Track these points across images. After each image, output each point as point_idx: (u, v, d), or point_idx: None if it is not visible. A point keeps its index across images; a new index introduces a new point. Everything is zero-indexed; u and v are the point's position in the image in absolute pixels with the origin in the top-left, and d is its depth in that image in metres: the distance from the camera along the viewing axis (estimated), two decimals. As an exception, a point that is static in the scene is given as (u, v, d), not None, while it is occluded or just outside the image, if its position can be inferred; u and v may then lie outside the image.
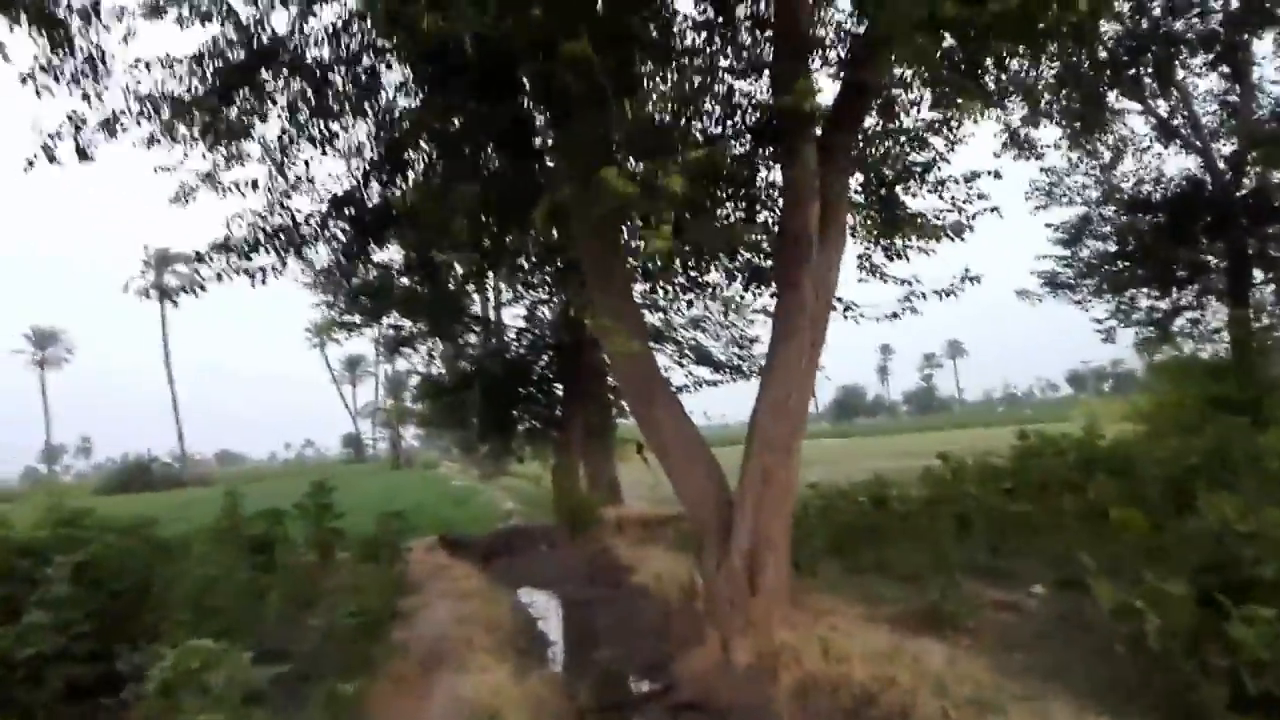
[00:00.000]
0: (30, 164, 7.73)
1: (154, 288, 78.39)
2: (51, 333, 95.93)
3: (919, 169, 10.93)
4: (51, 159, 7.79)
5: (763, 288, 11.40)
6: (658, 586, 11.80)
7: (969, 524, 12.01)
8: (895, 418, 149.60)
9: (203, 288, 8.73)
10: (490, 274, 15.95)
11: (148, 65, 9.48)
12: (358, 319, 17.15)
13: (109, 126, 8.31)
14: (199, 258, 8.69)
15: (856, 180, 10.39)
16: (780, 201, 10.13)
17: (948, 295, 10.63)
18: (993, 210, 10.87)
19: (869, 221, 10.46)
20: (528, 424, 18.71)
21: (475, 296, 17.96)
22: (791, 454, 8.34)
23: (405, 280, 15.68)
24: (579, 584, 14.06)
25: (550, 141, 8.01)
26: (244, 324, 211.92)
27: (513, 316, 18.84)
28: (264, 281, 9.23)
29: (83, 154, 8.03)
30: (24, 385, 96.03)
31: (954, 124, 10.65)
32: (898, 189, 10.80)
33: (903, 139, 10.56)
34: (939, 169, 10.90)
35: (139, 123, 10.67)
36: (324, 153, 9.16)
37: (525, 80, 7.65)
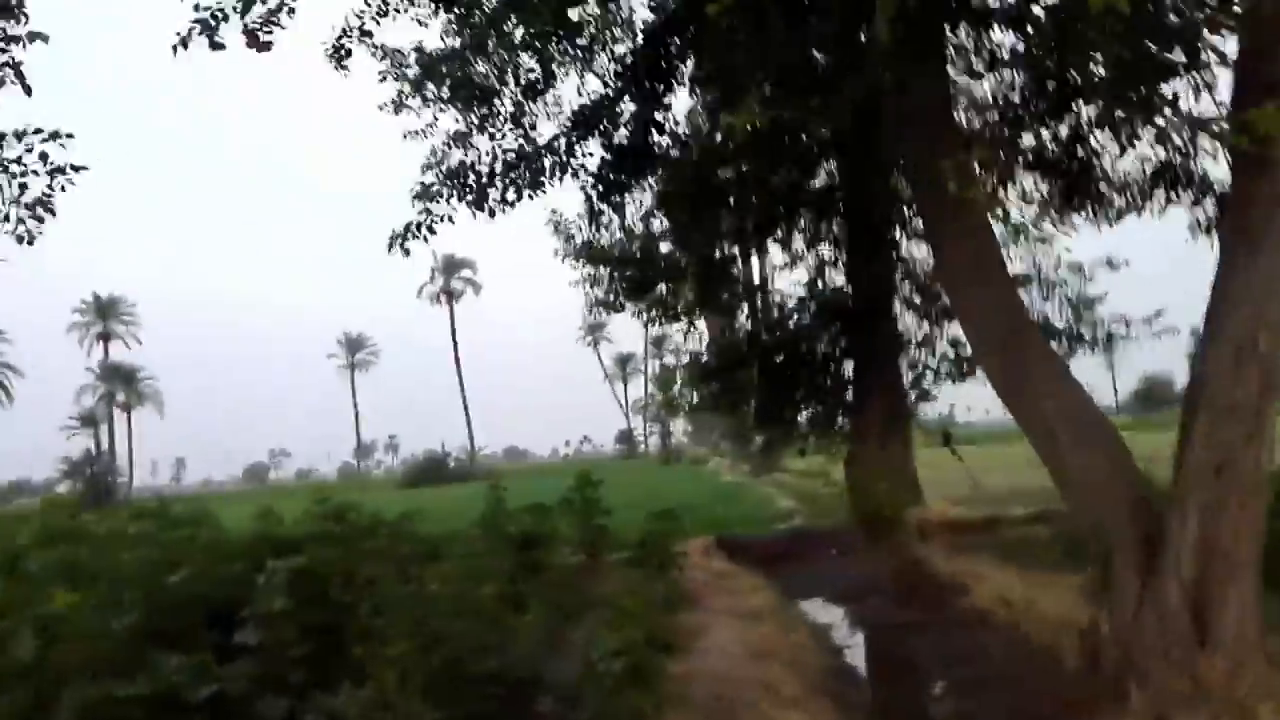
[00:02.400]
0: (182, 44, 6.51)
1: (443, 291, 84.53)
2: (359, 338, 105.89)
3: None
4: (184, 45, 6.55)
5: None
6: (1007, 614, 8.98)
7: None
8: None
9: (432, 230, 7.18)
10: (767, 232, 13.76)
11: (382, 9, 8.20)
12: (622, 295, 15.57)
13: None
14: (425, 193, 7.15)
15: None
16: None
17: None
18: None
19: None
20: (811, 409, 16.22)
21: (752, 262, 15.81)
22: (1261, 426, 5.34)
23: (669, 246, 13.93)
24: (889, 604, 11.42)
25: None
26: (527, 327, 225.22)
27: (790, 284, 16.46)
28: (490, 214, 7.58)
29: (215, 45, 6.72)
30: (340, 388, 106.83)
31: None
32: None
33: None
34: None
35: (383, 79, 9.51)
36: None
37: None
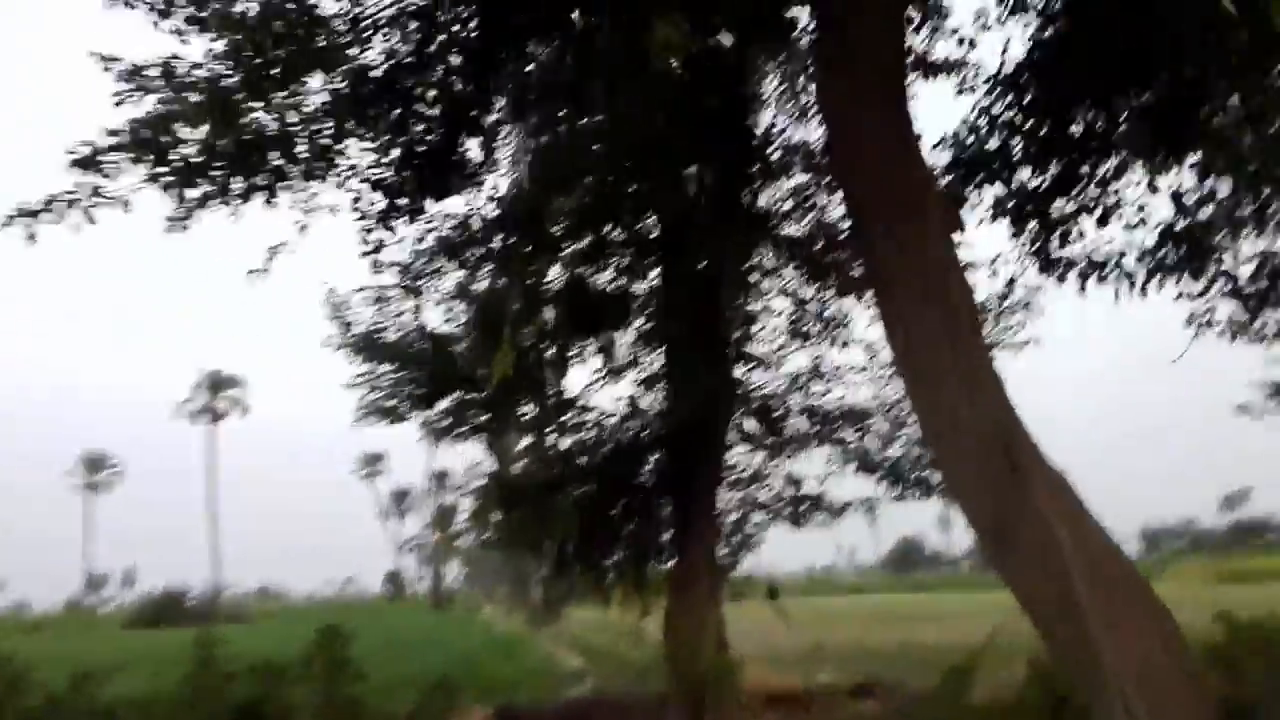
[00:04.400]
0: None
1: (205, 410, 76.35)
2: (101, 457, 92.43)
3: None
4: None
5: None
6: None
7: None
8: (958, 571, 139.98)
9: (90, 218, 4.40)
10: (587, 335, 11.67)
11: None
12: (407, 403, 12.86)
13: None
14: (91, 160, 4.39)
15: None
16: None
17: None
18: None
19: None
20: (624, 551, 13.72)
21: (557, 372, 13.45)
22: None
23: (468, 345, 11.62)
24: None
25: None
26: (295, 458, 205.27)
27: (611, 400, 14.16)
28: (198, 205, 4.87)
29: None
30: (75, 513, 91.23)
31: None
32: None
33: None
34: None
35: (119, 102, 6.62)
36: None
37: None
